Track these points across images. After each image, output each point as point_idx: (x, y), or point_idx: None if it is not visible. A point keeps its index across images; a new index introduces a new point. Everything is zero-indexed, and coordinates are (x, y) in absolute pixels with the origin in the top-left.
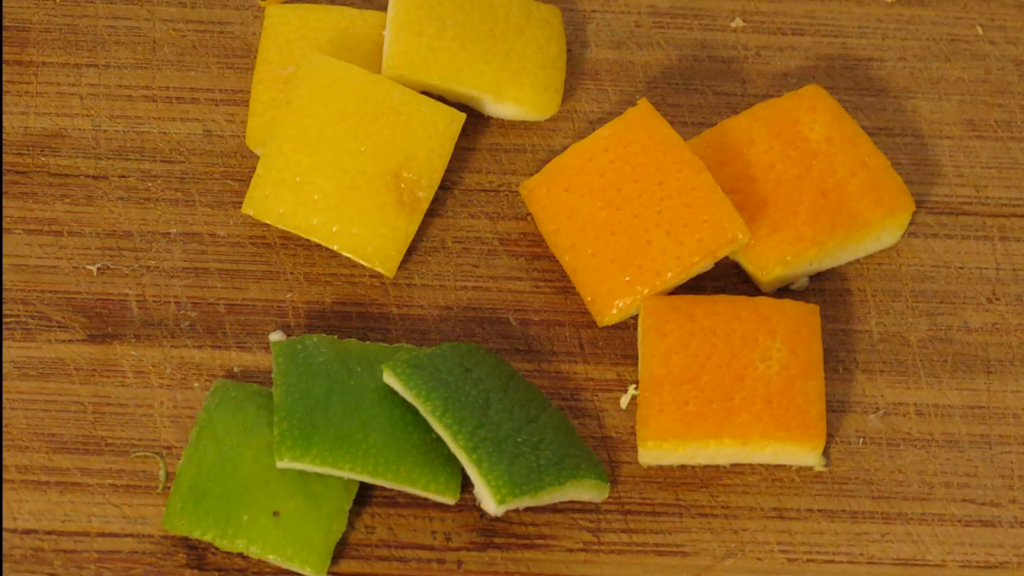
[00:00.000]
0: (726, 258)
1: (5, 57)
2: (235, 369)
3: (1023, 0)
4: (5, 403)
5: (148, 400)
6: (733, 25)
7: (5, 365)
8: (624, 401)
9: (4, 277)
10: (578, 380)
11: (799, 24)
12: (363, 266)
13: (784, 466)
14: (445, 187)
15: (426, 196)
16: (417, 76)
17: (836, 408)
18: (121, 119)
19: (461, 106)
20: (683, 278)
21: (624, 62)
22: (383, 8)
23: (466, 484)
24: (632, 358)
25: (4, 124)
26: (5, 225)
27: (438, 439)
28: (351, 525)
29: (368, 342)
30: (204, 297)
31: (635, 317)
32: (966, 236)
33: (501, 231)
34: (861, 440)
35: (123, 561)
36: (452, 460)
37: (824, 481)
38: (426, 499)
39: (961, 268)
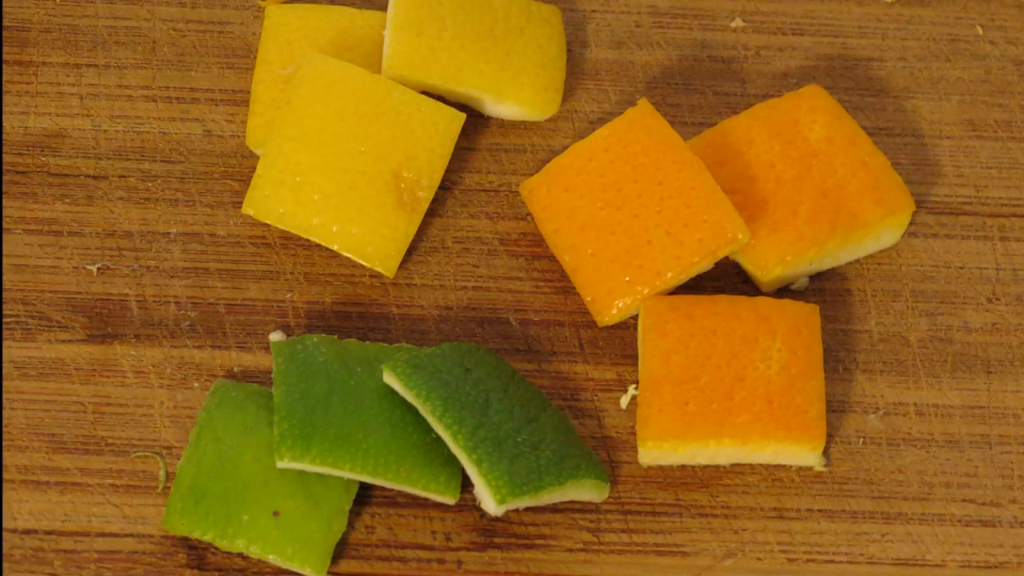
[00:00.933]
0: (726, 258)
1: (5, 57)
2: (235, 369)
3: (1023, 0)
4: (5, 403)
5: (148, 400)
6: (733, 25)
7: (5, 365)
8: (624, 401)
9: (4, 277)
10: (578, 380)
11: (799, 24)
12: (363, 266)
13: (784, 466)
14: (445, 187)
15: (426, 196)
16: (417, 76)
17: (836, 408)
18: (121, 119)
19: (461, 106)
20: (683, 278)
21: (624, 62)
22: (383, 8)
23: (466, 484)
24: (632, 358)
25: (4, 124)
26: (5, 225)
27: (438, 439)
28: (351, 525)
29: (368, 342)
30: (204, 297)
31: (635, 317)
32: (966, 236)
33: (501, 231)
34: (861, 440)
35: (123, 561)
36: (452, 460)
37: (824, 481)
38: (426, 499)
39: (961, 268)
